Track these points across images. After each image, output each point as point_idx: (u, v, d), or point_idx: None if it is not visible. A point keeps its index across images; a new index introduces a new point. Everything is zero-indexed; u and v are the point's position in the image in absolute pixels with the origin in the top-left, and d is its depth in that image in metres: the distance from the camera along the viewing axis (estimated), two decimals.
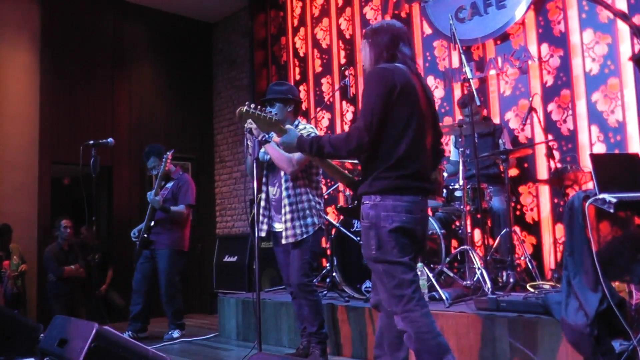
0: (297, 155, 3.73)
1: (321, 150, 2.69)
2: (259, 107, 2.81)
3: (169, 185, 5.46)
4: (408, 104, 2.68)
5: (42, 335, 3.39)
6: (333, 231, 4.93)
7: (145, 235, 5.31)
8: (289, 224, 3.81)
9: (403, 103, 2.66)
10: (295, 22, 7.71)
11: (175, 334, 5.31)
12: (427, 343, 2.56)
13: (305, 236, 3.80)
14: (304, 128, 3.88)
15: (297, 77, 7.61)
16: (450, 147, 5.41)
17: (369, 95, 2.66)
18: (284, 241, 3.83)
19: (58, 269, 6.72)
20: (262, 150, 3.88)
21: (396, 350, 2.82)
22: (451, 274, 4.43)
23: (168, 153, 5.29)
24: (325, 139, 2.69)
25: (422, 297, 2.68)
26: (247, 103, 2.70)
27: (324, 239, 5.24)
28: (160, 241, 5.36)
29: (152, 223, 5.32)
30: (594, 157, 3.13)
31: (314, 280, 4.11)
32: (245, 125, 3.66)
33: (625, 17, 2.26)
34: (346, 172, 3.03)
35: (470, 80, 4.24)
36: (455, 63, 5.75)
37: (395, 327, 2.72)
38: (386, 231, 2.62)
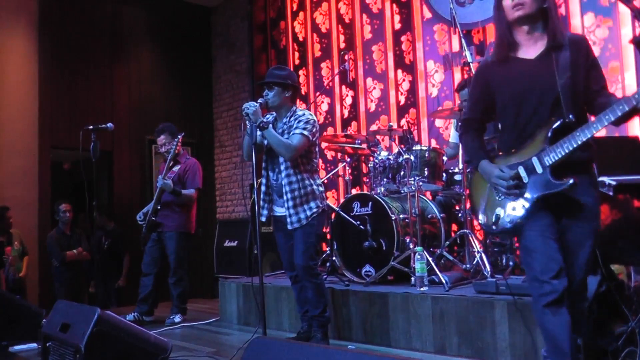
0: (295, 140, 3.70)
1: None
2: None
3: (176, 168, 5.45)
4: None
5: (44, 320, 3.42)
6: (333, 216, 4.93)
7: (153, 218, 5.31)
8: (292, 211, 3.77)
9: None
10: (295, 6, 7.66)
11: (177, 318, 5.32)
12: None
13: (310, 220, 3.80)
14: (303, 114, 3.82)
15: (297, 61, 7.58)
16: (450, 130, 5.40)
17: None
18: (289, 227, 3.80)
19: (60, 254, 6.77)
20: (259, 133, 3.83)
21: None
22: (451, 258, 4.45)
23: (179, 136, 5.27)
24: None
25: None
26: None
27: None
28: (168, 224, 5.37)
29: (159, 206, 5.32)
30: (594, 140, 3.13)
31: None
32: (243, 110, 3.65)
33: (626, 0, 2.25)
34: None
35: (471, 64, 4.24)
36: (456, 47, 5.72)
37: None
38: None
